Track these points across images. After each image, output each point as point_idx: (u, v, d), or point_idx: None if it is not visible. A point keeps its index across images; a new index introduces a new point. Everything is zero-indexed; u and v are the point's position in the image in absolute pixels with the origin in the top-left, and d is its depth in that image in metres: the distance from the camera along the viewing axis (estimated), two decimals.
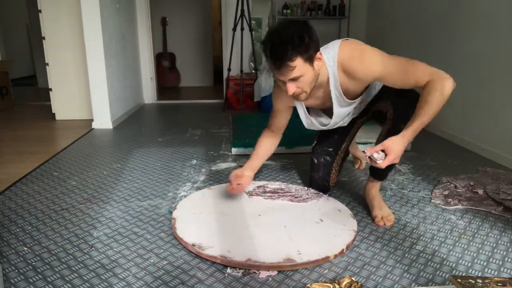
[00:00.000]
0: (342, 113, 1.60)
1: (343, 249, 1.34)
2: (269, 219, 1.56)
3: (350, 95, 1.53)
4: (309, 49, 1.30)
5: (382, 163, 1.24)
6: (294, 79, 1.33)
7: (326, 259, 1.29)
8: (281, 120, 1.72)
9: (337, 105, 1.55)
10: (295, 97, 1.42)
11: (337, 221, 1.53)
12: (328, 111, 1.67)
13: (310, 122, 1.67)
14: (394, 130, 1.50)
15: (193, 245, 1.35)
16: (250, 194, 1.79)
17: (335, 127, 1.70)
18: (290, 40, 1.26)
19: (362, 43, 1.46)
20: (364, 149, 1.42)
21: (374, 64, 1.39)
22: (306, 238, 1.42)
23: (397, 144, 1.26)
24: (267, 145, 1.76)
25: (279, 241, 1.38)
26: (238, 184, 1.64)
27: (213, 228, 1.47)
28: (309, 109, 1.68)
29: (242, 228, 1.47)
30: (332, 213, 1.61)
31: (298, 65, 1.29)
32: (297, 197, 1.75)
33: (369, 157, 1.26)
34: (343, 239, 1.40)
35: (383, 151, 1.26)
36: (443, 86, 1.28)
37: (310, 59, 1.32)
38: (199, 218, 1.56)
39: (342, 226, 1.49)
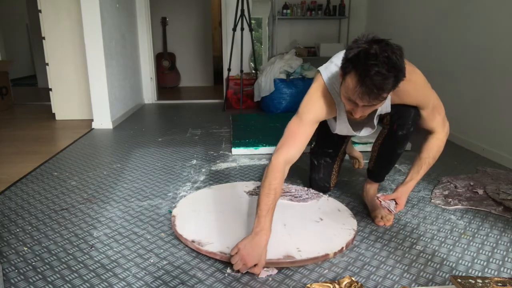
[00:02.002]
0: (376, 122, 1.54)
1: (342, 247, 1.35)
2: None
3: None
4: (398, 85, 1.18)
5: (394, 211, 1.46)
6: (369, 106, 1.20)
7: (325, 256, 1.29)
8: (309, 134, 1.43)
9: (377, 116, 1.49)
10: (350, 113, 1.31)
11: (337, 221, 1.53)
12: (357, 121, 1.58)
13: (346, 129, 1.56)
14: (391, 135, 1.52)
15: (193, 241, 1.36)
16: (250, 193, 1.79)
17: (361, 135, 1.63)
18: (395, 73, 1.10)
19: (408, 62, 1.35)
20: (378, 195, 1.48)
21: (426, 96, 1.40)
22: (305, 236, 1.42)
23: (405, 196, 1.47)
24: (281, 184, 1.34)
25: (279, 239, 1.38)
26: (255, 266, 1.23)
27: (213, 226, 1.47)
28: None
29: (241, 226, 1.47)
30: (331, 213, 1.61)
31: (386, 97, 1.18)
32: (297, 197, 1.75)
33: (383, 205, 1.45)
34: (343, 237, 1.40)
35: (393, 199, 1.46)
36: (445, 142, 1.49)
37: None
38: (199, 216, 1.56)
39: (341, 225, 1.50)
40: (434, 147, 1.46)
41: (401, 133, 1.48)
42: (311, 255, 1.28)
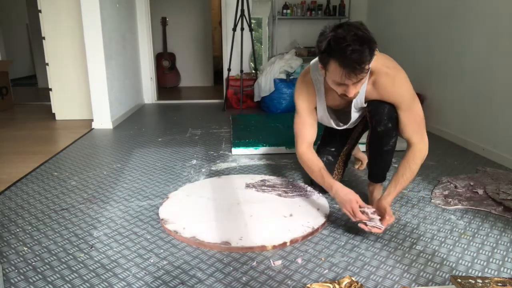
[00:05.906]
0: (355, 116, 1.59)
1: (285, 242, 1.38)
2: (244, 208, 1.63)
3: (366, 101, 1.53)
4: (375, 53, 1.27)
5: (383, 226, 1.38)
6: (358, 81, 1.29)
7: (262, 248, 1.35)
8: (313, 123, 1.61)
9: (354, 109, 1.54)
10: (344, 96, 1.37)
11: (305, 218, 1.55)
12: (337, 112, 1.66)
13: (326, 119, 1.63)
14: (373, 133, 1.56)
15: (162, 219, 1.53)
16: (247, 186, 1.86)
17: (342, 128, 1.68)
18: (367, 44, 1.20)
19: (393, 60, 1.45)
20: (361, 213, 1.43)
21: (402, 95, 1.42)
22: (260, 227, 1.47)
23: (388, 207, 1.41)
24: (316, 157, 1.60)
25: (233, 227, 1.47)
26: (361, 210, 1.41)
27: (189, 208, 1.55)
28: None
29: (213, 212, 1.57)
30: (307, 210, 1.63)
31: (368, 67, 1.26)
32: (286, 192, 1.78)
33: (369, 225, 1.38)
34: (294, 233, 1.43)
35: (376, 214, 1.41)
36: (424, 157, 1.44)
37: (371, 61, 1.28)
38: (187, 200, 1.71)
39: (305, 222, 1.52)
40: (410, 161, 1.43)
41: (379, 129, 1.50)
42: (247, 245, 1.34)
